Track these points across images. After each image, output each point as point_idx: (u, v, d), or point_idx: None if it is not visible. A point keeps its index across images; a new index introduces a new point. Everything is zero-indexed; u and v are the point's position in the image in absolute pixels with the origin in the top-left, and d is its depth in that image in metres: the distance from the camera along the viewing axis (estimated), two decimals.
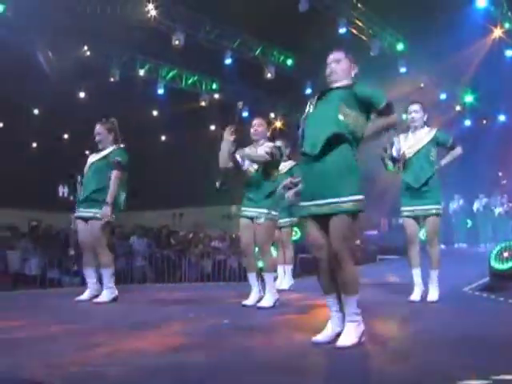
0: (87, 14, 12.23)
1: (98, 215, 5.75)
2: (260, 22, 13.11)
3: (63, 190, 5.93)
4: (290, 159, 7.11)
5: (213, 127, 19.85)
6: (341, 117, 3.40)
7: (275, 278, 5.65)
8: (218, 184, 5.47)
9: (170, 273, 10.61)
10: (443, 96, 16.91)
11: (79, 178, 6.05)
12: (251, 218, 5.45)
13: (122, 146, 6.06)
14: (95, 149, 6.06)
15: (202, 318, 4.75)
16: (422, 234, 5.95)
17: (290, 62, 16.10)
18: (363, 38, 14.02)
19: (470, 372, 2.57)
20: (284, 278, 7.26)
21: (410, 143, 5.66)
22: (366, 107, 3.46)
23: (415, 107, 5.76)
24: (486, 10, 12.87)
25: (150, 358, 3.15)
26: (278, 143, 6.02)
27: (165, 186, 18.06)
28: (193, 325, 4.42)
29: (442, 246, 13.59)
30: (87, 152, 6.17)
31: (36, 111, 18.14)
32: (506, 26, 13.66)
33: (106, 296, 5.73)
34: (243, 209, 5.54)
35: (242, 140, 5.63)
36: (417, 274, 5.61)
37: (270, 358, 3.15)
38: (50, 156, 18.05)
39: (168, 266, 10.69)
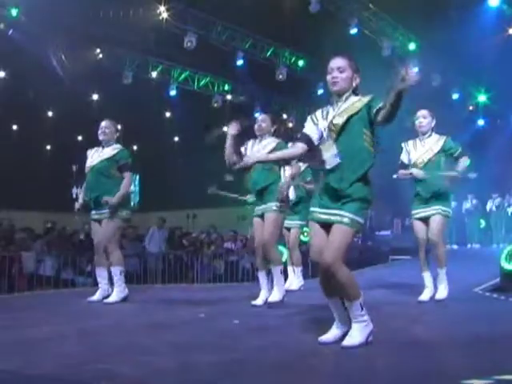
0: (100, 17, 12.33)
1: (111, 216, 5.82)
2: (271, 23, 13.16)
3: (77, 192, 6.00)
4: (300, 161, 7.10)
5: (225, 128, 19.91)
6: (366, 145, 3.45)
7: (282, 271, 5.67)
8: (227, 177, 5.52)
9: (182, 274, 10.66)
10: (456, 96, 16.82)
11: (76, 189, 6.11)
12: (262, 216, 5.51)
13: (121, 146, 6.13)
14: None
15: (212, 318, 4.79)
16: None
17: (301, 63, 16.12)
18: (375, 38, 14.00)
19: (473, 372, 2.59)
20: (294, 279, 7.28)
21: (419, 152, 5.67)
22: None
23: (423, 112, 5.74)
24: (499, 9, 12.82)
25: (161, 357, 3.19)
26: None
27: (178, 187, 18.11)
28: (204, 325, 4.47)
29: (455, 247, 13.62)
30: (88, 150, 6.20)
31: (50, 114, 18.32)
32: None
33: (116, 296, 5.79)
34: (256, 208, 5.60)
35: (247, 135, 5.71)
36: (427, 276, 5.64)
37: (280, 357, 3.18)
38: (63, 158, 18.21)
39: (181, 267, 10.75)
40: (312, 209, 3.58)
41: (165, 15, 13.20)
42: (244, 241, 12.98)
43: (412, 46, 14.52)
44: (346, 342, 3.31)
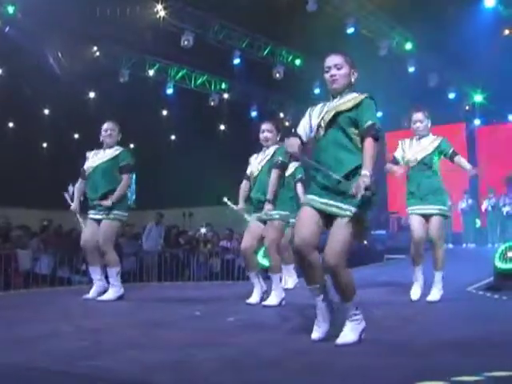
0: (97, 15, 12.33)
1: (110, 216, 5.85)
2: (268, 22, 13.18)
3: (73, 190, 6.00)
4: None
5: (222, 127, 19.96)
6: (352, 143, 3.45)
7: (280, 279, 5.70)
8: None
9: (178, 272, 10.69)
10: (452, 95, 16.88)
11: (72, 188, 6.12)
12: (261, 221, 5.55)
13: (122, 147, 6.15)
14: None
15: (207, 316, 4.82)
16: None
17: (298, 61, 16.13)
18: (371, 37, 14.02)
19: (463, 369, 2.62)
20: (288, 278, 7.28)
21: (414, 151, 5.70)
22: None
23: (419, 117, 5.74)
24: (495, 9, 12.86)
25: (157, 354, 3.22)
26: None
27: (174, 186, 18.14)
28: (199, 322, 4.50)
29: (450, 246, 13.67)
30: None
31: (46, 111, 18.31)
32: None
33: (111, 294, 5.81)
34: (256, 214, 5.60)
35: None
36: (418, 270, 5.64)
37: (273, 355, 3.20)
38: (60, 156, 18.22)
39: (177, 265, 10.77)
40: (310, 196, 3.51)
41: (162, 14, 13.19)
42: (240, 239, 13.00)
43: (409, 46, 14.54)
44: (340, 339, 3.34)
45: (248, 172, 5.75)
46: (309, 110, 3.74)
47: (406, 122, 5.90)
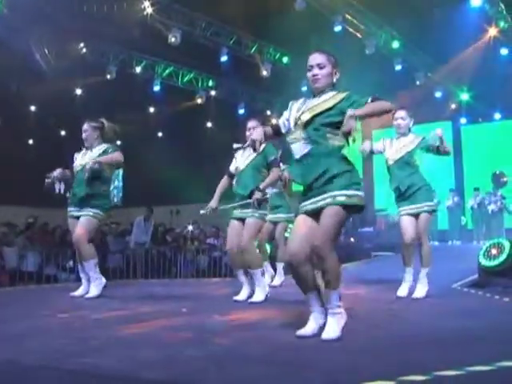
0: (84, 11, 12.28)
1: (90, 213, 5.84)
2: (256, 20, 13.19)
3: (59, 187, 5.94)
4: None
5: (209, 124, 19.94)
6: (330, 142, 3.49)
7: (263, 273, 5.70)
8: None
9: (165, 269, 10.69)
10: (438, 94, 16.99)
11: (59, 184, 6.07)
12: (241, 219, 5.56)
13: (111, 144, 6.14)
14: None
15: (194, 312, 4.83)
16: None
17: (285, 59, 16.17)
18: (358, 35, 14.07)
19: (446, 364, 2.66)
20: (276, 275, 7.32)
21: (394, 149, 5.74)
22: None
23: (402, 114, 5.78)
24: (481, 8, 12.95)
25: (145, 350, 3.22)
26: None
27: (161, 183, 18.10)
28: (185, 319, 4.50)
29: (436, 243, 13.76)
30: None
31: (33, 108, 18.20)
32: (501, 24, 13.75)
33: (95, 290, 5.77)
34: (235, 211, 5.63)
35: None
36: (409, 271, 5.69)
37: (258, 351, 3.23)
38: (46, 153, 18.10)
39: (164, 263, 10.77)
40: (300, 205, 3.60)
41: (149, 10, 13.17)
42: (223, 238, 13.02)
43: (396, 45, 14.60)
44: (326, 335, 3.36)
45: (231, 168, 5.75)
46: (290, 103, 3.77)
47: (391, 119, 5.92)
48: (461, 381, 2.49)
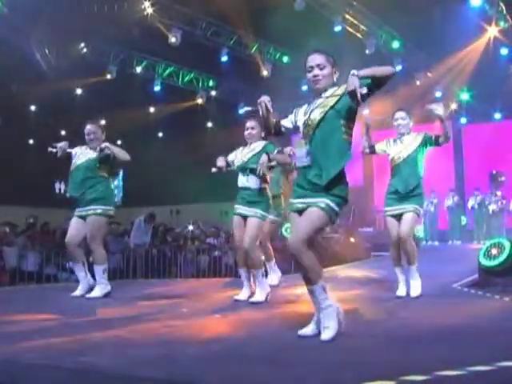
0: (84, 11, 12.28)
1: (98, 211, 5.83)
2: (256, 20, 13.18)
3: (60, 187, 5.95)
4: None
5: (210, 124, 19.94)
6: (344, 137, 3.49)
7: (263, 274, 5.71)
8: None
9: (165, 269, 10.68)
10: (439, 94, 16.97)
11: (59, 184, 6.09)
12: (243, 216, 5.55)
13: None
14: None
15: (194, 312, 4.83)
16: (417, 231, 6.02)
17: (286, 59, 16.16)
18: (358, 35, 14.07)
19: (447, 364, 2.67)
20: (273, 274, 7.28)
21: (398, 149, 5.74)
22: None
23: (401, 114, 5.81)
24: (481, 8, 12.95)
25: (145, 350, 3.23)
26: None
27: (162, 183, 18.11)
28: (185, 319, 4.50)
29: (436, 243, 13.77)
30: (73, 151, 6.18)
31: (33, 108, 18.19)
32: (501, 24, 13.74)
33: (98, 291, 5.78)
34: (236, 206, 5.64)
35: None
36: (399, 271, 5.72)
37: (258, 351, 3.23)
38: (46, 153, 18.07)
39: (164, 262, 10.77)
40: (291, 200, 3.63)
41: (150, 10, 13.18)
42: (227, 236, 13.01)
43: (396, 45, 14.59)
44: (325, 335, 3.37)
45: (229, 158, 5.74)
46: (295, 109, 3.79)
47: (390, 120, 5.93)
48: (461, 381, 2.50)
